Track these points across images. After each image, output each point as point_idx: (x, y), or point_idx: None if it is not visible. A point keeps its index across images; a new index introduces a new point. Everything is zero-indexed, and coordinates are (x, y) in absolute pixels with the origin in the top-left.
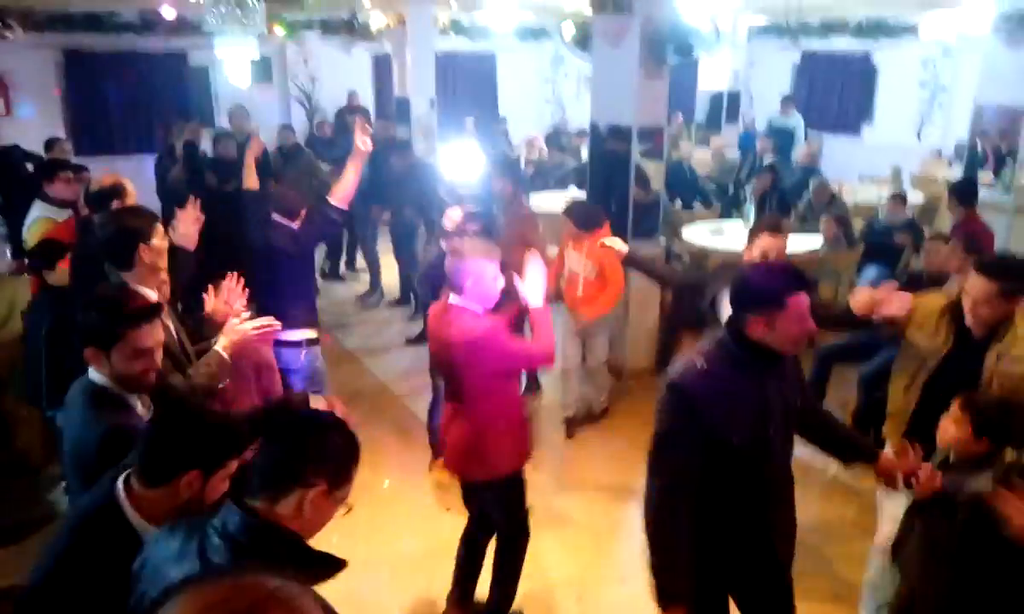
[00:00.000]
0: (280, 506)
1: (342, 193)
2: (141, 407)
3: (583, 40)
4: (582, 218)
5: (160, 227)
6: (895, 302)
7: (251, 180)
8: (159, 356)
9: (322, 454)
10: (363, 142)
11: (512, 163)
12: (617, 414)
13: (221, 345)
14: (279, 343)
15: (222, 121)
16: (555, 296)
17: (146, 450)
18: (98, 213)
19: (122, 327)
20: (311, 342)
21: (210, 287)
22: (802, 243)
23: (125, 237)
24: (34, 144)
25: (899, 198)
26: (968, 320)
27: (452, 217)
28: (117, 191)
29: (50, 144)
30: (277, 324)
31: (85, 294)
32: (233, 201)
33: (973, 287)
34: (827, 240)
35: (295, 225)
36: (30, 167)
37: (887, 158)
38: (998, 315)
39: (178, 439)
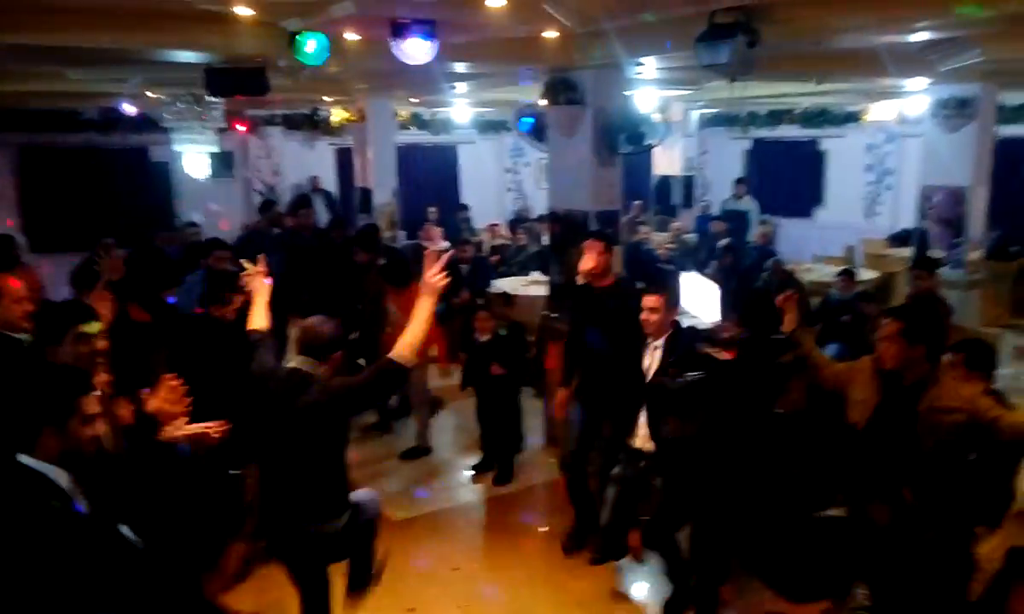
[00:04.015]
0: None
1: (410, 348)
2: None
3: (539, 131)
4: (392, 276)
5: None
6: None
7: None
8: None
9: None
10: (435, 275)
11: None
12: None
13: None
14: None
15: (183, 215)
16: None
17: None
18: None
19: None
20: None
21: (142, 390)
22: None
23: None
24: None
25: (848, 273)
26: (881, 360)
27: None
28: None
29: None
30: (220, 426)
31: None
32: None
33: (882, 327)
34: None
35: (323, 372)
36: None
37: (839, 239)
38: (903, 356)
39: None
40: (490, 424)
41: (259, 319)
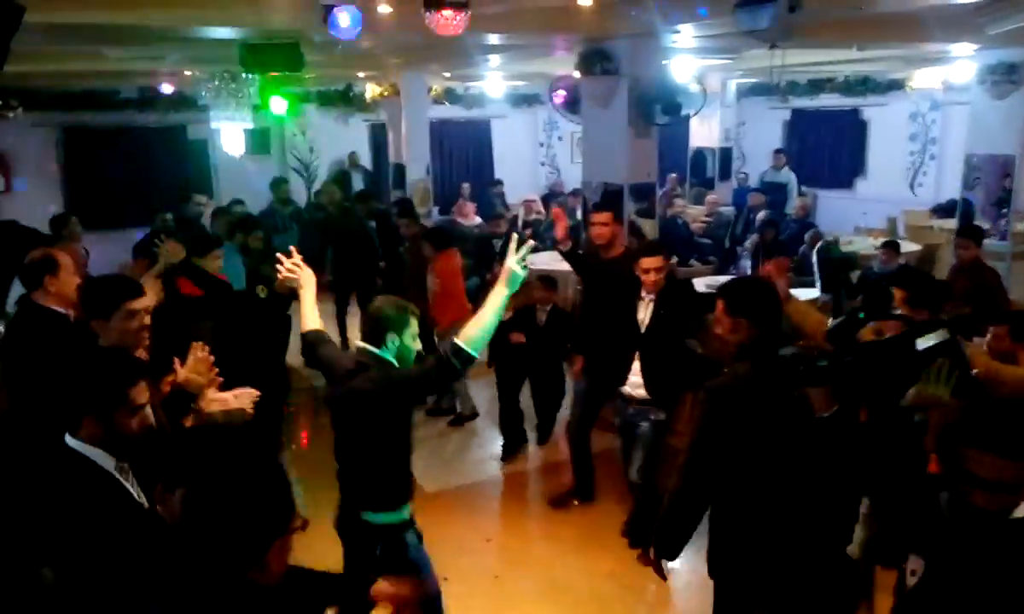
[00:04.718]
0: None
1: (480, 333)
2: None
3: (573, 103)
4: (433, 238)
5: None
6: None
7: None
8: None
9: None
10: (519, 261)
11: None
12: None
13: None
14: (369, 528)
15: (221, 192)
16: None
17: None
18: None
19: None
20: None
21: (175, 359)
22: (801, 295)
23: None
24: (34, 220)
25: (892, 245)
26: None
27: None
28: (49, 264)
29: (58, 221)
30: (255, 392)
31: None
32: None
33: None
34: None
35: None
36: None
37: (882, 211)
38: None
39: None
40: (509, 405)
41: (312, 318)
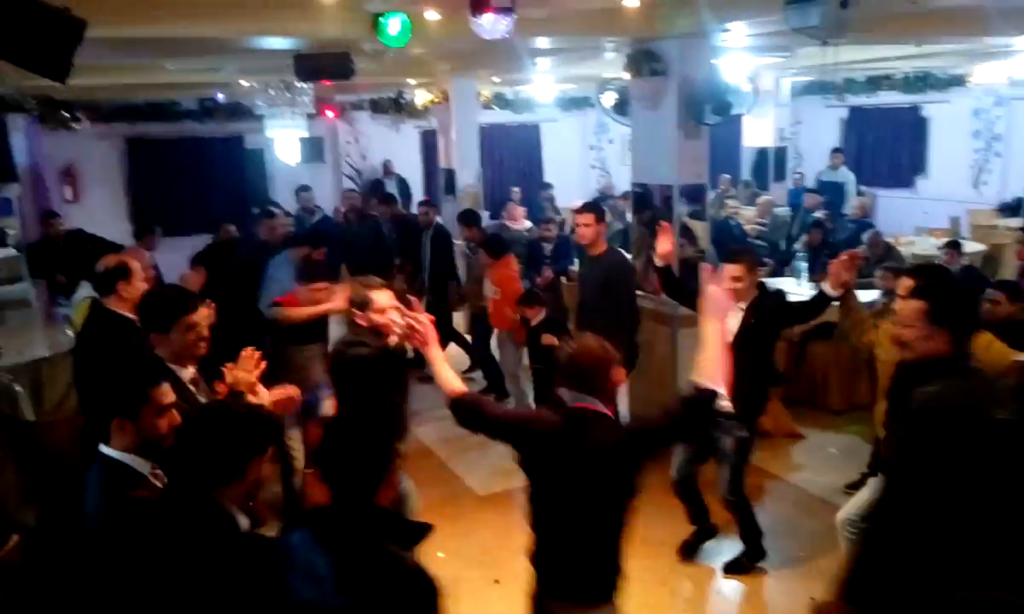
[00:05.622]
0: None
1: (714, 367)
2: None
3: (622, 105)
4: (490, 248)
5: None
6: None
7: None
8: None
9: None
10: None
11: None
12: None
13: None
14: None
15: (277, 200)
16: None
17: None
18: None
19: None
20: None
21: (227, 363)
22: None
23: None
24: (101, 228)
25: (954, 245)
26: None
27: None
28: (122, 271)
29: (144, 231)
30: (296, 392)
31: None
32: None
33: (899, 287)
34: (885, 292)
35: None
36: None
37: (944, 210)
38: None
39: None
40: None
41: (454, 378)
